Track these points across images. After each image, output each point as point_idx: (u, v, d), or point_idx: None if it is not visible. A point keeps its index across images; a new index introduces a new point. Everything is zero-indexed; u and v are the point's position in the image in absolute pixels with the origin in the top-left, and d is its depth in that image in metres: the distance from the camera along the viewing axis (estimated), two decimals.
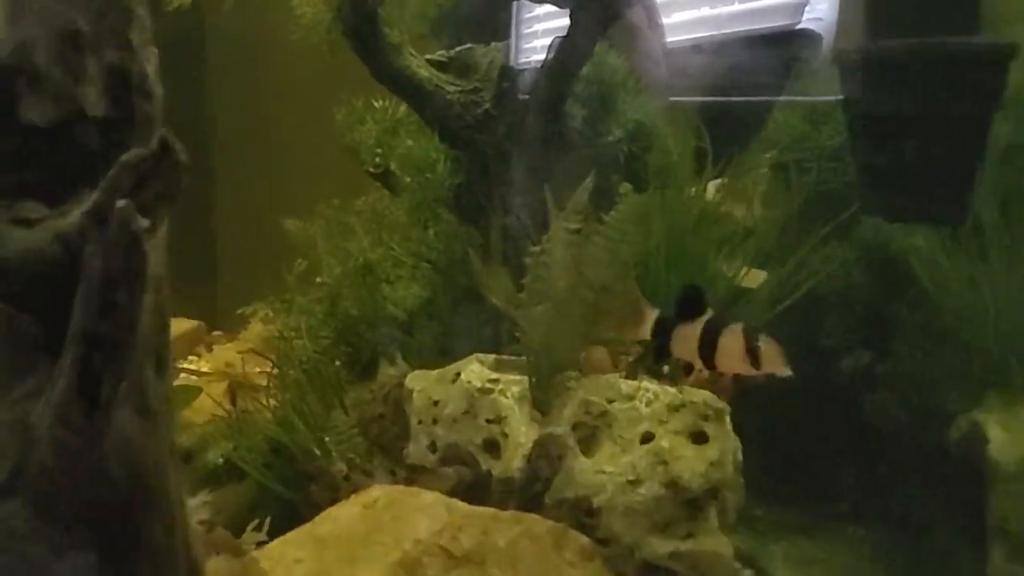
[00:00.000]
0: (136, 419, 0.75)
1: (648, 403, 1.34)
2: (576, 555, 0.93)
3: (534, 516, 1.03)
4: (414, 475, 1.28)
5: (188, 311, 3.23)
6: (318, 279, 2.02)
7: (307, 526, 1.03)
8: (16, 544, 0.67)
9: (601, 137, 1.61)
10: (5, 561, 0.70)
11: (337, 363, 1.87)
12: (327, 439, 1.56)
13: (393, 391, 1.89)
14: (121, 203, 0.61)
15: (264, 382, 2.16)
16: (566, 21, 1.67)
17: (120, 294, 0.62)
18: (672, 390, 1.34)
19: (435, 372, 1.53)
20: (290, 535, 1.01)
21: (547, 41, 1.75)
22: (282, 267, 2.02)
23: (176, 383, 2.29)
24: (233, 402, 2.40)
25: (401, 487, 1.11)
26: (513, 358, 1.52)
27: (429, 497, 1.03)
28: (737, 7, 2.59)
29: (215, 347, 3.06)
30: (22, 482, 0.68)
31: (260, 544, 1.33)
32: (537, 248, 1.34)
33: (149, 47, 0.79)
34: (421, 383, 1.51)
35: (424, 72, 1.67)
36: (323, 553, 0.93)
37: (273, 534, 1.43)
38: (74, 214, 0.69)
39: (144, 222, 0.62)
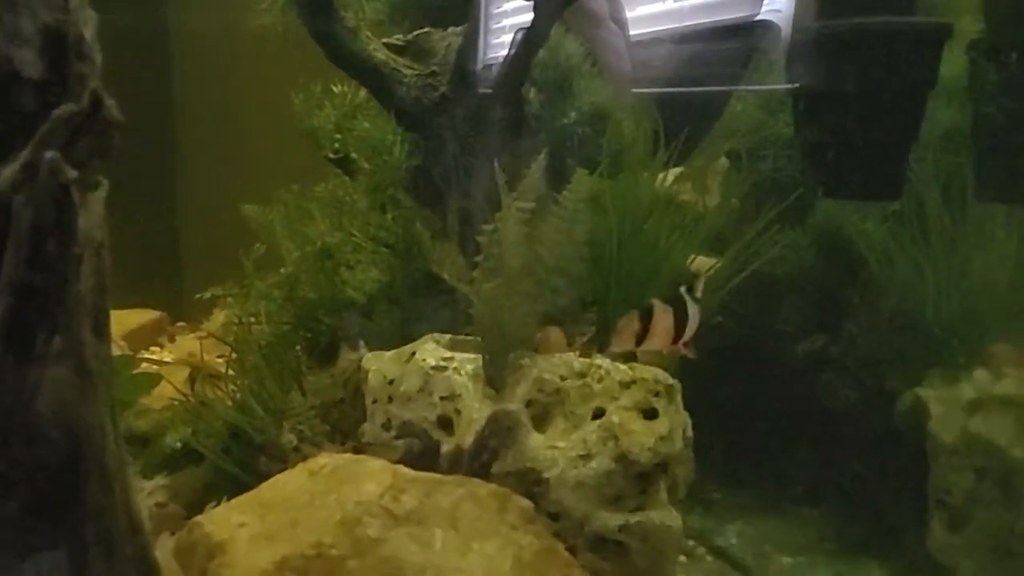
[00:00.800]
0: (74, 379, 0.76)
1: (600, 380, 1.36)
2: (518, 518, 0.95)
3: (477, 480, 1.04)
4: (364, 447, 1.28)
5: (152, 302, 3.20)
6: (282, 269, 2.02)
7: (252, 492, 1.03)
8: None
9: (557, 120, 1.63)
10: None
11: (296, 348, 1.87)
12: (284, 423, 1.56)
13: (353, 376, 1.89)
14: (49, 154, 0.61)
15: (224, 369, 2.15)
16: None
17: (50, 244, 0.62)
18: (623, 367, 1.37)
19: (391, 353, 1.53)
20: (235, 501, 1.02)
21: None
22: (244, 255, 2.02)
23: (137, 371, 2.28)
24: (193, 389, 2.39)
25: (349, 455, 1.12)
26: (469, 338, 1.53)
27: (376, 464, 1.03)
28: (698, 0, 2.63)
29: (178, 338, 3.04)
30: None
31: None
32: (489, 227, 1.36)
33: (86, 9, 0.80)
34: (376, 363, 1.51)
35: (380, 55, 1.67)
36: (267, 516, 0.94)
37: None
38: (6, 171, 0.69)
39: (73, 173, 0.62)
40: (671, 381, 1.37)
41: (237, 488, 1.64)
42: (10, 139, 0.75)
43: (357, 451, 1.36)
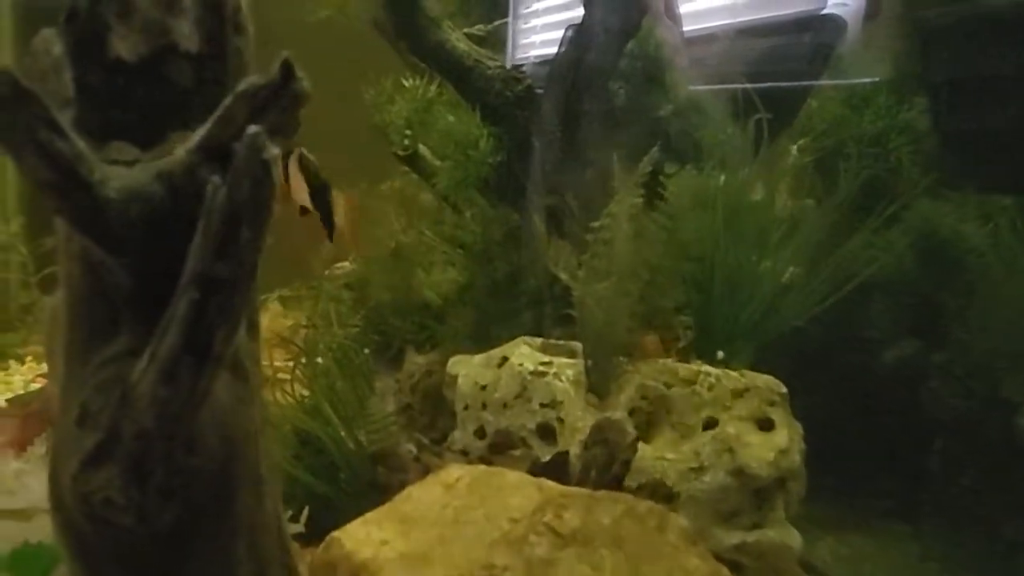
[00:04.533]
0: (231, 382, 0.69)
1: (710, 388, 1.29)
2: (679, 538, 0.88)
3: (630, 496, 0.97)
4: (491, 455, 1.22)
5: None
6: (339, 265, 1.96)
7: (387, 507, 0.96)
8: (110, 515, 0.60)
9: (648, 113, 1.56)
10: (94, 531, 0.64)
11: (366, 351, 1.80)
12: (361, 430, 1.50)
13: (422, 380, 1.83)
14: (253, 129, 0.55)
15: (287, 373, 2.10)
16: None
17: (244, 231, 0.56)
18: (734, 374, 1.30)
19: (479, 357, 1.47)
20: (370, 515, 0.94)
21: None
22: (303, 254, 1.96)
23: None
24: None
25: (482, 467, 1.05)
26: (560, 343, 1.47)
27: (514, 477, 0.96)
28: None
29: None
30: (117, 448, 0.62)
31: (298, 536, 1.27)
32: (598, 224, 1.29)
33: None
34: (465, 368, 1.45)
35: (463, 46, 1.61)
36: (410, 533, 0.87)
37: (310, 526, 1.37)
38: (178, 150, 0.63)
39: (275, 150, 0.56)
40: (784, 389, 1.30)
41: (312, 499, 1.58)
42: (165, 118, 0.69)
43: (485, 461, 1.28)
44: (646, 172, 1.29)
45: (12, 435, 1.85)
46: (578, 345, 1.42)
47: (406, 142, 1.81)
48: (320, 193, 1.44)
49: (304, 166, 1.62)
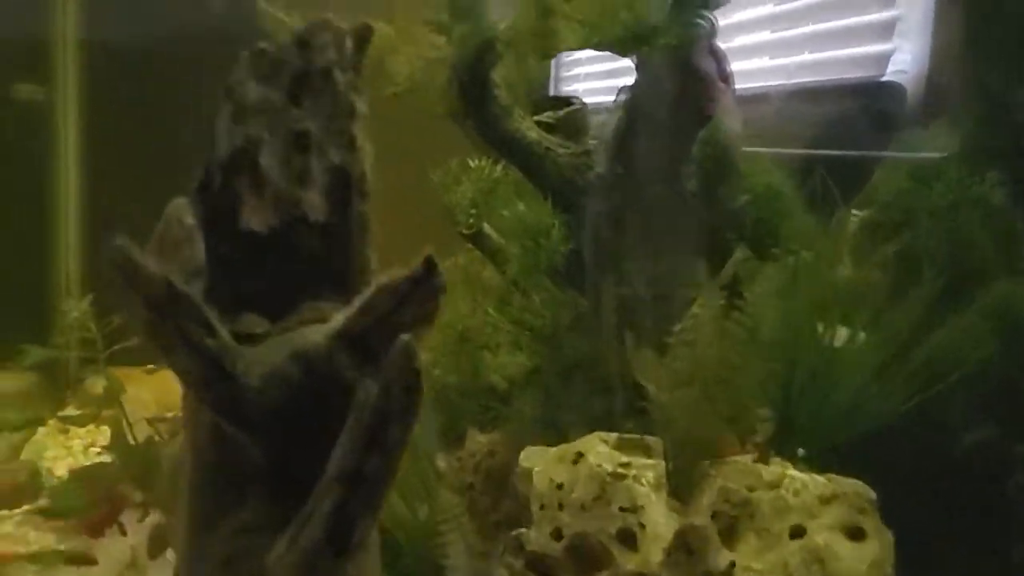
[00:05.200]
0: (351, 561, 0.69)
1: (796, 493, 1.27)
2: None
3: None
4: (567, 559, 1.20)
5: None
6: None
7: None
8: None
9: (723, 201, 1.56)
10: None
11: (430, 431, 1.80)
12: (436, 522, 1.49)
13: (484, 460, 1.81)
14: (405, 338, 0.55)
15: None
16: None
17: (393, 432, 0.56)
18: (821, 480, 1.27)
19: (552, 451, 1.45)
20: None
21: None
22: None
23: None
24: None
25: None
26: (635, 437, 1.45)
27: None
28: (812, 56, 2.55)
29: None
30: None
31: None
32: (681, 325, 1.28)
33: (366, 143, 0.74)
34: (539, 462, 1.43)
35: (534, 135, 1.62)
36: None
37: None
38: (315, 333, 0.63)
39: (424, 358, 0.56)
40: (873, 495, 1.27)
41: None
42: (295, 287, 0.69)
43: (533, 563, 1.27)
44: (734, 270, 1.28)
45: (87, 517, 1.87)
46: (654, 440, 1.40)
47: (471, 221, 1.82)
48: None
49: None
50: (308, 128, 0.67)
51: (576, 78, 3.51)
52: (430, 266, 0.59)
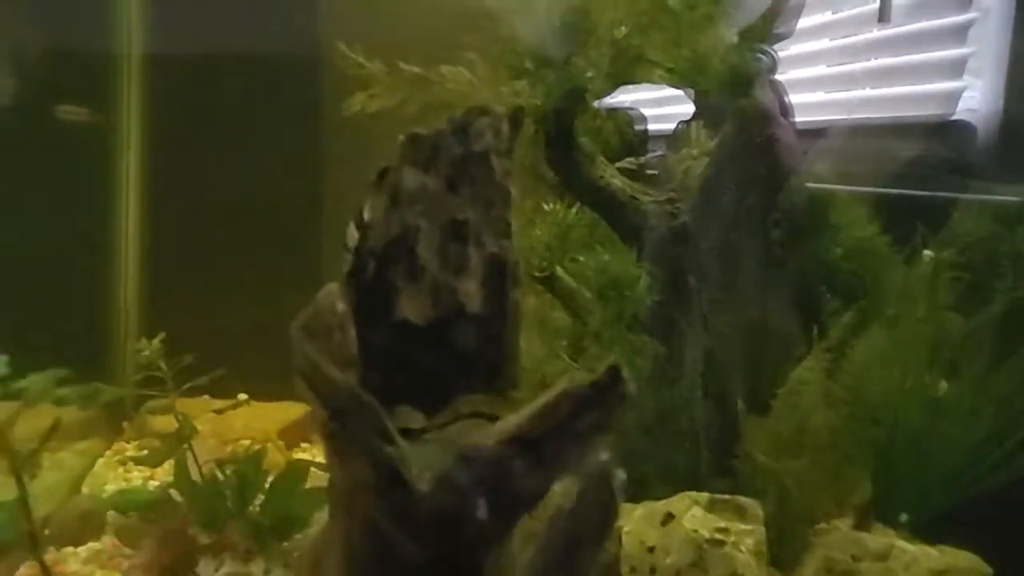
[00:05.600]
0: None
1: (906, 567, 1.22)
2: None
3: None
4: None
5: (294, 394, 3.08)
6: None
7: None
8: None
9: (812, 254, 1.52)
10: None
11: None
12: None
13: None
14: (603, 457, 0.52)
15: None
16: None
17: (585, 550, 0.53)
18: (933, 551, 1.22)
19: (640, 509, 1.41)
20: None
21: None
22: None
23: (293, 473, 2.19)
24: None
25: None
26: (726, 498, 1.41)
27: None
28: (875, 92, 2.50)
29: None
30: None
31: None
32: (785, 387, 1.24)
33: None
34: (627, 522, 1.39)
35: (618, 182, 1.60)
36: None
37: None
38: (482, 434, 0.61)
39: (622, 476, 0.53)
40: (989, 570, 1.22)
41: None
42: (450, 380, 0.67)
43: None
44: (840, 332, 1.24)
45: (149, 556, 1.85)
46: (749, 502, 1.35)
47: (544, 264, 1.80)
48: None
49: None
50: (467, 217, 0.65)
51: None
52: (615, 374, 0.56)
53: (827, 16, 2.48)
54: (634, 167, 1.66)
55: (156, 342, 1.95)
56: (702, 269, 1.56)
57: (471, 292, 0.66)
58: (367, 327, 0.67)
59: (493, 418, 0.63)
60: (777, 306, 1.49)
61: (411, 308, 0.65)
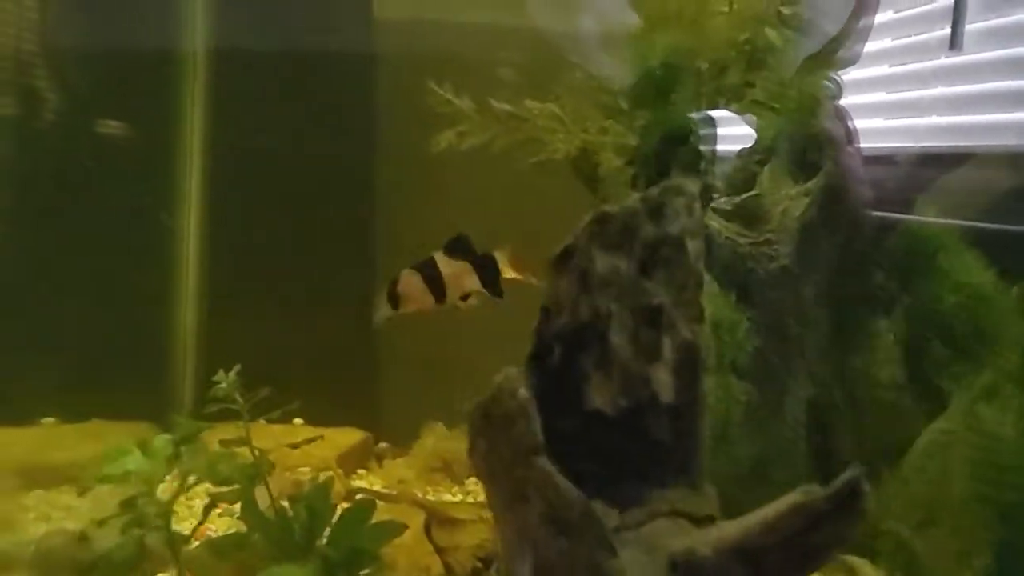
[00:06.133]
0: None
1: None
2: None
3: None
4: None
5: (349, 417, 3.04)
6: None
7: None
8: None
9: (919, 300, 1.47)
10: None
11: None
12: None
13: None
14: None
15: (466, 514, 2.03)
16: None
17: None
18: None
19: None
20: None
21: None
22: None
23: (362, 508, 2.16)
24: (431, 538, 2.26)
25: None
26: (847, 557, 1.36)
27: None
28: (951, 119, 2.43)
29: (385, 461, 2.91)
30: None
31: None
32: (917, 448, 1.19)
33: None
34: None
35: (714, 223, 1.56)
36: None
37: None
38: (697, 541, 0.57)
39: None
40: None
41: None
42: (642, 473, 0.64)
43: None
44: (970, 402, 1.19)
45: None
46: (859, 562, 1.30)
47: None
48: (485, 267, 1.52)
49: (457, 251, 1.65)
50: (661, 302, 0.62)
51: None
52: (856, 487, 0.53)
53: (887, 42, 2.42)
54: (729, 208, 1.62)
55: (232, 375, 1.94)
56: (804, 314, 1.52)
57: (664, 381, 0.62)
58: (553, 415, 0.64)
59: (692, 518, 0.60)
60: (884, 355, 1.44)
61: (601, 396, 0.62)
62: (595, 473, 0.63)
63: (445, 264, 1.53)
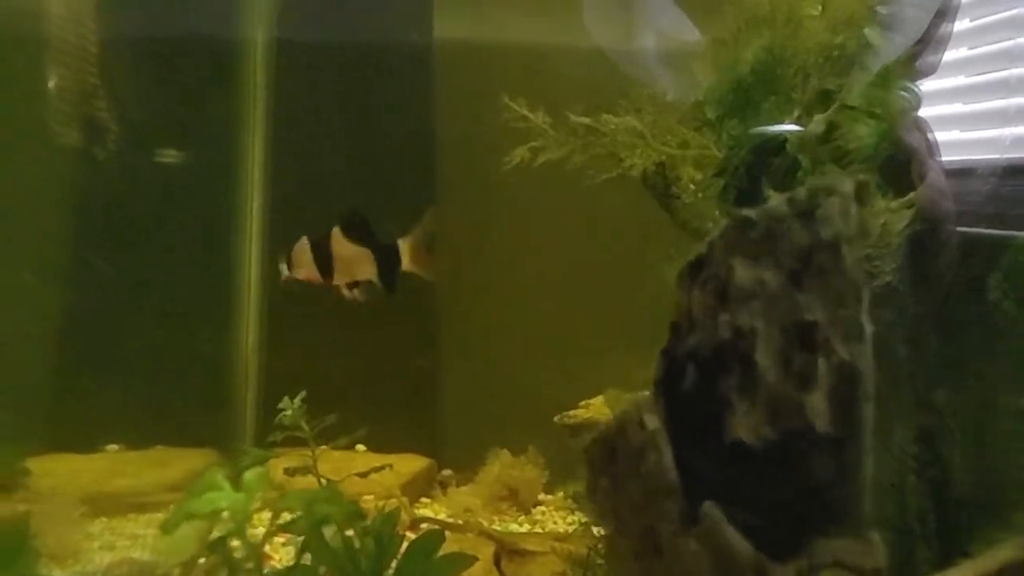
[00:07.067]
0: None
1: None
2: None
3: None
4: None
5: (409, 443, 2.96)
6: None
7: None
8: None
9: None
10: None
11: None
12: None
13: None
14: None
15: (537, 545, 1.95)
16: None
17: None
18: None
19: None
20: None
21: None
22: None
23: (430, 539, 2.08)
24: (501, 571, 2.18)
25: None
26: None
27: None
28: None
29: (449, 489, 2.84)
30: None
31: None
32: None
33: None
34: None
35: None
36: None
37: None
38: None
39: None
40: None
41: None
42: (800, 518, 0.55)
43: None
44: None
45: None
46: None
47: None
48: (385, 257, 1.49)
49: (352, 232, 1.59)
50: (815, 318, 0.54)
51: None
52: None
53: (962, 52, 2.30)
54: None
55: (298, 401, 1.90)
56: (912, 335, 1.40)
57: (819, 408, 0.54)
58: (688, 448, 0.56)
59: (860, 572, 0.51)
60: (1005, 383, 1.32)
61: (745, 427, 0.54)
62: (741, 517, 0.54)
63: (341, 244, 1.49)
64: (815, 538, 0.53)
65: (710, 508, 0.42)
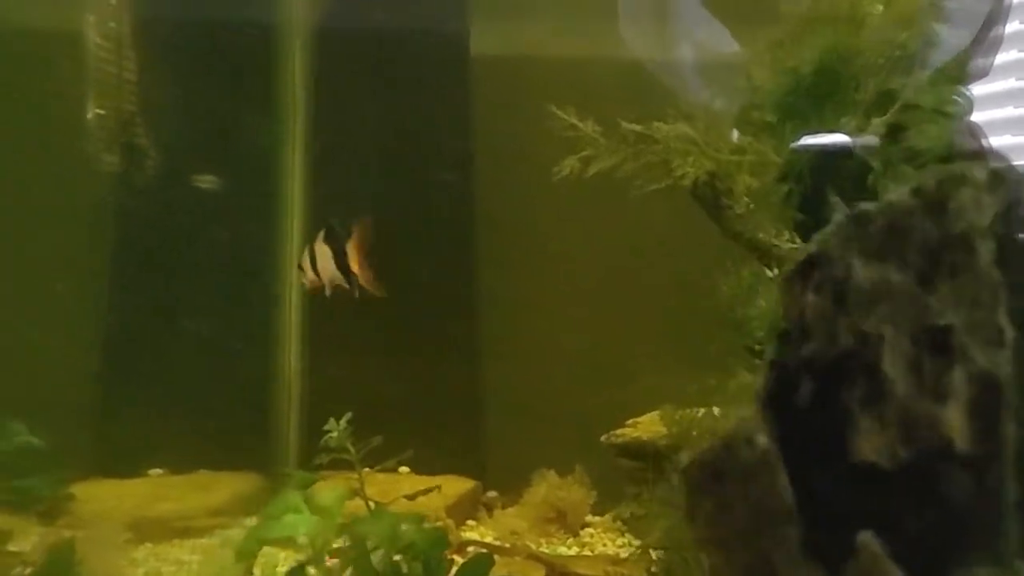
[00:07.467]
0: None
1: None
2: None
3: None
4: None
5: (453, 465, 2.91)
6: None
7: None
8: None
9: None
10: None
11: None
12: None
13: None
14: None
15: (589, 569, 1.88)
16: None
17: None
18: None
19: None
20: None
21: None
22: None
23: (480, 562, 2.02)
24: None
25: None
26: None
27: None
28: None
29: (495, 511, 2.78)
30: None
31: None
32: None
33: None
34: None
35: None
36: None
37: None
38: None
39: None
40: None
41: None
42: (937, 543, 0.49)
43: None
44: None
45: None
46: None
47: (761, 334, 1.60)
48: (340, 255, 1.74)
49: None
50: (950, 323, 0.48)
51: None
52: None
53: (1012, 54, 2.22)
54: None
55: (344, 423, 1.86)
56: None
57: (957, 423, 0.48)
58: (806, 469, 0.50)
59: None
60: None
61: (873, 445, 0.48)
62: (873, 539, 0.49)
63: (320, 248, 1.74)
64: (954, 569, 0.47)
65: (868, 540, 0.36)
